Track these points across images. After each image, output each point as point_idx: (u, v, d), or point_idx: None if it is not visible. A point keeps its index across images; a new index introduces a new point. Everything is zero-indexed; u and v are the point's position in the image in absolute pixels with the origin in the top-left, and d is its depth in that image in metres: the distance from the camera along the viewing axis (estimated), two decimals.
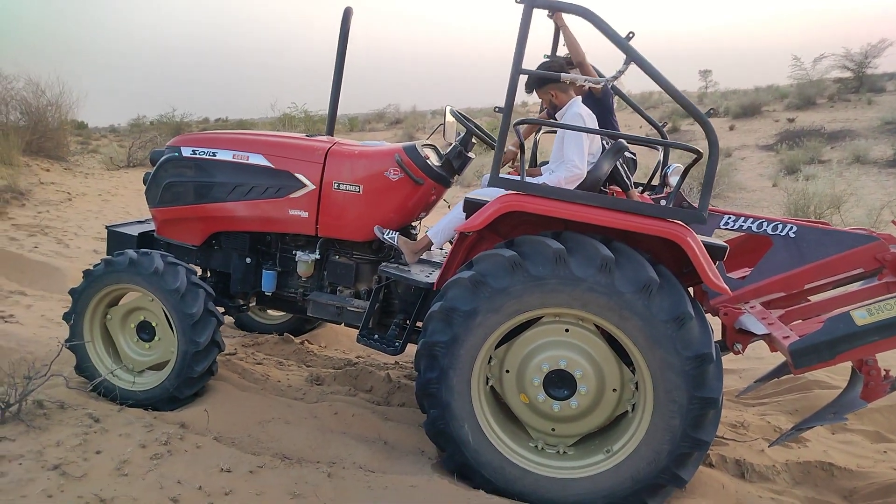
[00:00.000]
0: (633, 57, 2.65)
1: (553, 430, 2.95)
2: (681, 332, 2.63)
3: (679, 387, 2.66)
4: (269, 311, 5.06)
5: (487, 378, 2.98)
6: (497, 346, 2.94)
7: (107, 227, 4.03)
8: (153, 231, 4.02)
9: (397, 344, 3.42)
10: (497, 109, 3.16)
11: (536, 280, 2.72)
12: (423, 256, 3.79)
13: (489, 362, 2.95)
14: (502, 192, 2.97)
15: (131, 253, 3.43)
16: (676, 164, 4.31)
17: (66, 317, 3.49)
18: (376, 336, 3.49)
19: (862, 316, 2.53)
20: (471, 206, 3.05)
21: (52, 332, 4.45)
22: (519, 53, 2.73)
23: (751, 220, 3.51)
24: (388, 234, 3.49)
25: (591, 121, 3.54)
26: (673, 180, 4.24)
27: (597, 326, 2.84)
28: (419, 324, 3.50)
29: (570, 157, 3.29)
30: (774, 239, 3.40)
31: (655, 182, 4.56)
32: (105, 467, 2.70)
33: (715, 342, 2.71)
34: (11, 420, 2.95)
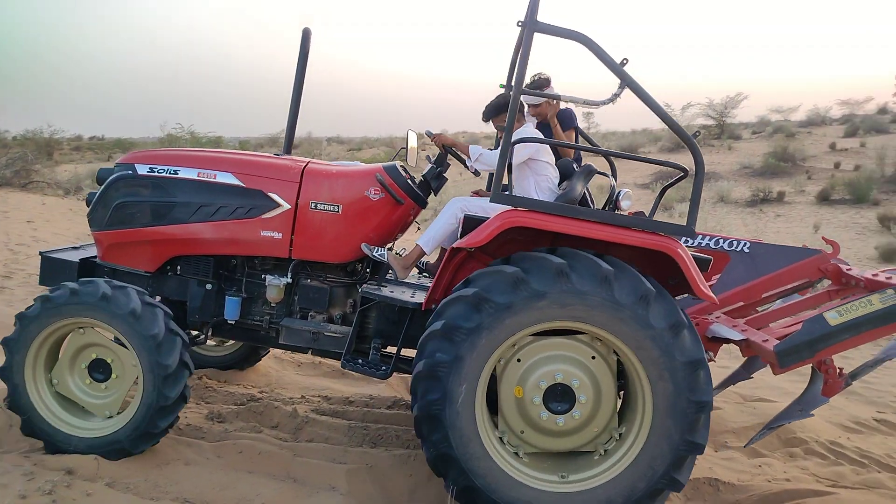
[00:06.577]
0: (627, 82, 2.82)
1: (522, 432, 2.96)
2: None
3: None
4: (209, 342, 4.70)
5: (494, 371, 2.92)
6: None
7: (41, 254, 3.58)
8: (95, 257, 3.64)
9: (384, 368, 3.32)
10: (499, 128, 3.23)
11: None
12: (390, 278, 3.73)
13: (513, 346, 2.90)
14: (498, 208, 3.01)
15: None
16: (626, 189, 4.58)
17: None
18: (360, 361, 3.37)
19: (833, 317, 2.82)
20: (471, 223, 3.06)
21: None
22: (520, 75, 2.82)
23: (708, 237, 3.81)
24: (377, 252, 3.40)
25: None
26: (624, 204, 4.49)
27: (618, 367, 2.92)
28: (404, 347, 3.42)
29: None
30: (731, 254, 3.71)
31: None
32: None
33: None
34: None
